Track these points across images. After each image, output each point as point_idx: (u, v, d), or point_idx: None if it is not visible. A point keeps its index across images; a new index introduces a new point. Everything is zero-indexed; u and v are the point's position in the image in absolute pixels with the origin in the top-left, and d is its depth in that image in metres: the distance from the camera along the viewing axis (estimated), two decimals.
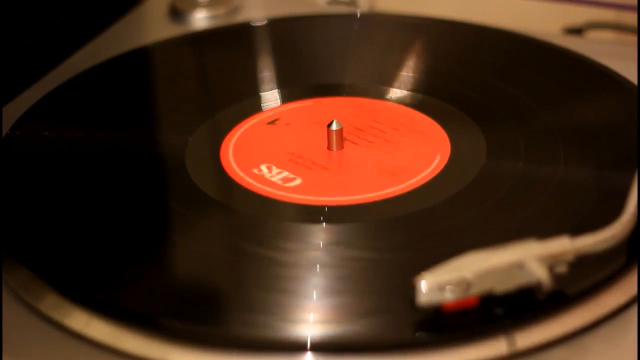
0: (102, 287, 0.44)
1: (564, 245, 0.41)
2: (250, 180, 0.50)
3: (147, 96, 0.60)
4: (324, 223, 0.47)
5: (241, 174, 0.51)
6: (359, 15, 0.67)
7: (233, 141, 0.54)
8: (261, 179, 0.50)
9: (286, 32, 0.65)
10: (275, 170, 0.51)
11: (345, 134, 0.53)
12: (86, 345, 0.41)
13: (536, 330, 0.40)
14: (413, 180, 0.50)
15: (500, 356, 0.40)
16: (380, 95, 0.57)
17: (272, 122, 0.55)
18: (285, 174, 0.51)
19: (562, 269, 0.41)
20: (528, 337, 0.40)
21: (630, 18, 0.68)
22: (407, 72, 0.59)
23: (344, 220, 0.47)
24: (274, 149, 0.53)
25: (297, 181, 0.50)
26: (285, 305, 0.42)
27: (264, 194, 0.49)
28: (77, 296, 0.43)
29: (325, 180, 0.50)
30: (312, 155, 0.52)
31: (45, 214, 0.48)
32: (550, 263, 0.40)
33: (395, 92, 0.57)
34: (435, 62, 0.61)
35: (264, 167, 0.51)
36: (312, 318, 0.41)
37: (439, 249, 0.45)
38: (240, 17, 0.69)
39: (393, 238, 0.46)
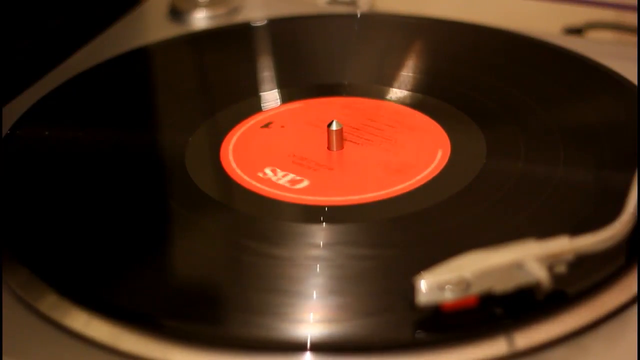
0: (101, 287, 0.44)
1: (563, 245, 0.41)
2: (255, 183, 0.50)
3: (147, 96, 0.60)
4: (324, 223, 0.47)
5: (241, 174, 0.51)
6: (359, 15, 0.67)
7: (233, 141, 0.54)
8: (267, 182, 0.50)
9: (286, 32, 0.65)
10: (280, 173, 0.51)
11: (345, 134, 0.53)
12: (86, 345, 0.41)
13: (536, 330, 0.40)
14: (413, 181, 0.50)
15: (500, 356, 0.40)
16: (380, 95, 0.57)
17: (266, 126, 0.55)
18: (291, 176, 0.51)
19: (561, 269, 0.41)
20: (527, 337, 0.40)
21: (630, 18, 0.68)
22: (407, 72, 0.59)
23: (344, 220, 0.47)
24: (275, 150, 0.53)
25: (305, 183, 0.50)
26: (285, 305, 0.42)
27: (264, 193, 0.49)
28: (77, 296, 0.43)
29: (325, 180, 0.50)
30: (312, 155, 0.52)
31: (45, 214, 0.48)
32: (550, 263, 0.40)
33: (395, 92, 0.57)
34: (435, 62, 0.61)
35: (268, 171, 0.51)
36: (312, 318, 0.41)
37: (439, 249, 0.45)
38: (240, 17, 0.69)
39: (393, 238, 0.46)
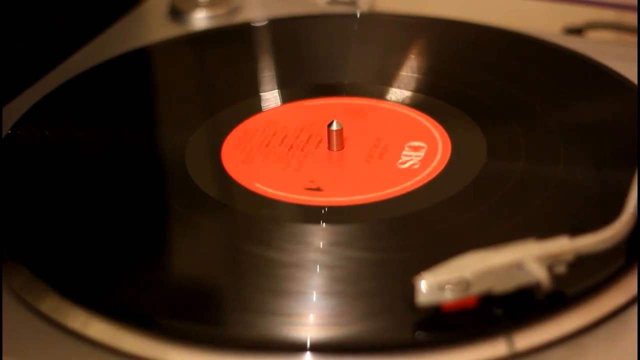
0: (101, 287, 0.44)
1: (563, 245, 0.41)
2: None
3: (147, 96, 0.60)
4: (323, 223, 0.47)
5: (241, 174, 0.51)
6: (359, 15, 0.67)
7: (233, 141, 0.54)
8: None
9: (286, 32, 0.65)
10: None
11: (345, 134, 0.53)
12: (86, 345, 0.41)
13: (535, 330, 0.40)
14: (413, 181, 0.50)
15: (500, 357, 0.40)
16: (380, 95, 0.57)
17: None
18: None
19: (561, 269, 0.41)
20: (527, 338, 0.40)
21: (630, 18, 0.68)
22: (407, 72, 0.59)
23: (343, 221, 0.47)
24: (274, 150, 0.53)
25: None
26: (284, 305, 0.42)
27: (264, 194, 0.49)
28: (77, 296, 0.43)
29: (325, 180, 0.50)
30: (312, 155, 0.52)
31: (46, 214, 0.48)
32: (550, 263, 0.40)
33: (395, 92, 0.57)
34: (435, 62, 0.61)
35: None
36: (311, 318, 0.41)
37: (439, 249, 0.45)
38: (240, 17, 0.69)
39: (393, 238, 0.46)
